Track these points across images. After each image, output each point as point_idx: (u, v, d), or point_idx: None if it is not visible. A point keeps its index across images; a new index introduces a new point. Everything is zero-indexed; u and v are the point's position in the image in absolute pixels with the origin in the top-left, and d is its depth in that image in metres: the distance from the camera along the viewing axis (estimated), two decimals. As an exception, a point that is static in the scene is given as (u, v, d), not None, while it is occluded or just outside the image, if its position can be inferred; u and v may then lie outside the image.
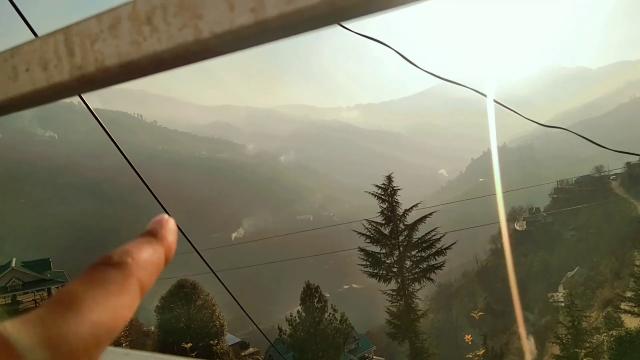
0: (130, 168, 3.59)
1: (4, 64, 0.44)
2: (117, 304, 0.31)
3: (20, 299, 41.73)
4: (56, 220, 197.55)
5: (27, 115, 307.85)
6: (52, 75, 0.41)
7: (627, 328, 32.20)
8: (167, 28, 0.35)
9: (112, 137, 3.41)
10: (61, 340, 0.27)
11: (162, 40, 0.35)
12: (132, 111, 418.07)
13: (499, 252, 75.93)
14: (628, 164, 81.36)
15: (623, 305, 39.17)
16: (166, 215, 0.40)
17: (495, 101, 3.00)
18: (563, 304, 45.12)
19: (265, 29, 0.31)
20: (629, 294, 40.03)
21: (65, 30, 0.40)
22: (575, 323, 36.10)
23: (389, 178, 29.14)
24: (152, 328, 39.51)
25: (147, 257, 0.35)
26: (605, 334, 32.07)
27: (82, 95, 3.39)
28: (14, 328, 0.26)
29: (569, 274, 62.91)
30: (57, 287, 41.25)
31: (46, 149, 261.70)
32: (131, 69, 0.37)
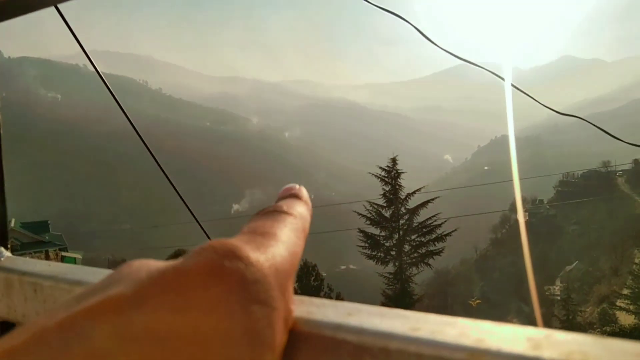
0: (134, 134, 3.37)
1: None
2: (299, 244, 0.33)
3: (16, 259, 41.60)
4: (56, 184, 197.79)
5: (30, 73, 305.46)
6: None
7: (621, 325, 32.03)
8: None
9: (119, 101, 3.18)
10: (272, 264, 0.27)
11: None
12: (138, 77, 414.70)
13: (498, 241, 75.45)
14: (636, 160, 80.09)
15: (619, 302, 39.12)
16: (296, 185, 0.41)
17: (513, 85, 2.93)
18: (559, 298, 44.93)
19: None
20: (625, 292, 39.89)
21: None
22: (570, 317, 36.01)
23: (394, 160, 28.54)
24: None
25: (303, 212, 0.37)
26: (598, 329, 31.96)
27: (91, 57, 3.00)
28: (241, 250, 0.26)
29: (568, 267, 62.57)
30: (54, 250, 41.01)
31: (49, 110, 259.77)
32: None
